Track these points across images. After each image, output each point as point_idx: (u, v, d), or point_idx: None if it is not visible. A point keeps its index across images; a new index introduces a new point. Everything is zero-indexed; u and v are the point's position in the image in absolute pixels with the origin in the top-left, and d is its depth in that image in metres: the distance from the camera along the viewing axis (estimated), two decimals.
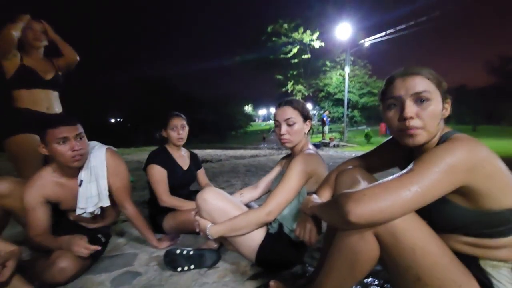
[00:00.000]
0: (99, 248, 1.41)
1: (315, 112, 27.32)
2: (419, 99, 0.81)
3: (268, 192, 1.68)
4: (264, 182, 1.71)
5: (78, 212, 1.52)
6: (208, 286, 1.30)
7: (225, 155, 10.41)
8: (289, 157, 1.59)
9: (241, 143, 25.06)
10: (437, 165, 0.71)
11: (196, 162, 2.26)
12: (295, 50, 23.11)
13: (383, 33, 15.16)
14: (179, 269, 1.43)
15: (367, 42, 16.86)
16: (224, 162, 7.66)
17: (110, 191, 1.62)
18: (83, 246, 1.32)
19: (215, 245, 1.61)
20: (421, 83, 0.82)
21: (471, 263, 0.79)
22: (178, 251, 1.44)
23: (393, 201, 0.71)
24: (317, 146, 12.09)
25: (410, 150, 0.96)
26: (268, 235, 1.35)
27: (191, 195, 2.10)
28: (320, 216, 0.99)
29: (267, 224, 1.38)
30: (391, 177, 0.75)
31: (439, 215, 0.81)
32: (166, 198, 1.90)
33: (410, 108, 0.81)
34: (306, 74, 26.20)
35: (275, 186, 1.35)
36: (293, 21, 22.85)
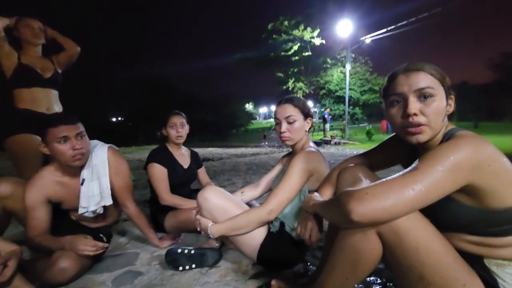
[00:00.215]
0: (106, 245, 1.41)
1: (316, 109, 27.28)
2: (423, 95, 0.80)
3: (269, 190, 1.67)
4: (265, 180, 1.70)
5: (81, 211, 1.52)
6: (209, 285, 1.30)
7: (226, 154, 10.41)
8: (290, 155, 1.58)
9: (242, 141, 25.09)
10: (442, 164, 0.70)
11: (197, 161, 2.25)
12: (295, 47, 23.05)
13: (384, 30, 15.07)
14: (181, 268, 1.42)
15: (368, 39, 16.76)
16: (225, 160, 7.66)
17: (112, 190, 1.62)
18: (89, 244, 1.31)
19: (217, 244, 1.60)
20: (424, 79, 0.80)
21: (476, 262, 0.78)
22: (179, 251, 1.44)
23: (397, 200, 0.69)
24: (318, 143, 12.08)
25: (413, 147, 0.94)
26: (269, 234, 1.34)
27: (192, 194, 2.10)
28: (322, 215, 0.98)
29: (269, 223, 1.37)
30: (394, 176, 0.74)
31: (444, 213, 0.80)
32: (167, 196, 1.90)
33: (414, 104, 0.80)
34: (306, 72, 26.15)
35: (276, 185, 1.34)
36: (293, 18, 22.78)
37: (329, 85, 26.85)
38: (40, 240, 1.40)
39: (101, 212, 1.59)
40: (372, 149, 1.17)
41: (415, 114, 0.80)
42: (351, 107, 25.30)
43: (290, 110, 1.38)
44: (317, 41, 22.01)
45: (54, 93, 2.16)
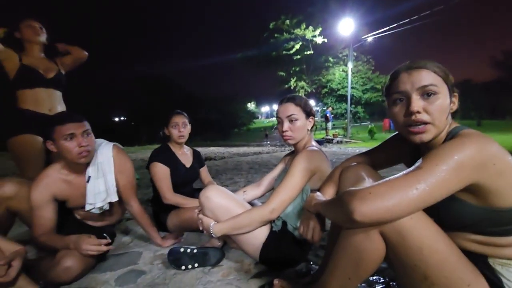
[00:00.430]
0: (110, 241, 1.42)
1: (318, 108, 27.24)
2: (426, 93, 0.79)
3: (272, 189, 1.67)
4: (267, 179, 1.70)
5: (88, 208, 1.53)
6: (212, 284, 1.30)
7: (228, 153, 10.42)
8: (293, 154, 1.58)
9: (244, 141, 25.09)
10: (446, 163, 0.69)
11: (199, 160, 2.26)
12: (297, 46, 23.00)
13: (386, 28, 14.98)
14: (183, 267, 1.42)
15: (370, 37, 16.68)
16: (228, 159, 7.66)
17: (116, 188, 1.63)
18: (92, 243, 1.32)
19: (219, 243, 1.61)
20: (427, 77, 0.79)
21: (480, 261, 0.77)
22: (182, 250, 1.44)
23: (400, 199, 0.69)
24: (320, 142, 12.05)
25: (416, 146, 0.93)
26: (271, 233, 1.34)
27: (194, 193, 2.10)
28: (324, 214, 0.97)
29: (271, 222, 1.37)
30: (397, 175, 0.73)
31: (448, 212, 0.79)
32: (169, 195, 1.90)
33: (417, 102, 0.79)
34: (308, 71, 26.10)
35: (278, 184, 1.33)
36: (295, 17, 22.72)
37: (331, 84, 26.82)
38: (45, 239, 1.41)
39: (107, 208, 1.61)
40: (375, 148, 1.17)
41: (418, 112, 0.79)
42: (353, 105, 25.25)
43: (292, 109, 1.37)
44: (319, 40, 21.94)
45: (58, 94, 2.18)
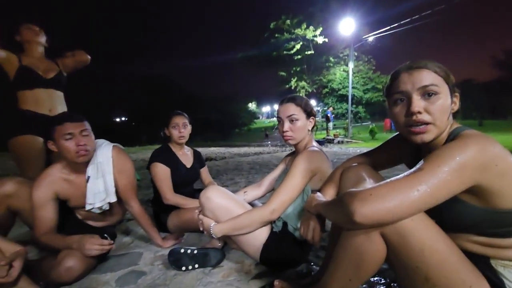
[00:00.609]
0: (112, 242, 1.43)
1: (319, 108, 27.22)
2: (427, 93, 0.79)
3: (272, 190, 1.66)
4: (268, 180, 1.70)
5: (87, 207, 1.54)
6: (212, 285, 1.30)
7: (229, 153, 10.43)
8: (293, 155, 1.58)
9: (245, 141, 25.09)
10: (448, 164, 0.68)
11: (199, 160, 2.25)
12: (298, 46, 23.00)
13: (387, 28, 14.96)
14: (184, 268, 1.42)
15: (371, 37, 16.66)
16: (228, 160, 7.66)
17: (116, 188, 1.64)
18: (96, 243, 1.32)
19: (219, 244, 1.60)
20: (428, 77, 0.79)
21: (482, 262, 0.77)
22: (182, 250, 1.44)
23: (401, 201, 0.68)
24: (321, 142, 12.04)
25: (417, 146, 0.93)
26: (272, 234, 1.34)
27: (195, 194, 2.10)
28: (325, 215, 0.97)
29: (271, 223, 1.37)
30: (398, 176, 0.72)
31: (450, 214, 0.78)
32: (170, 196, 1.90)
33: (417, 102, 0.79)
34: (309, 70, 26.10)
35: (279, 184, 1.33)
36: (296, 17, 22.73)
37: (332, 84, 26.80)
38: (47, 238, 1.41)
39: (107, 208, 1.61)
40: (376, 148, 1.16)
41: (419, 112, 0.78)
42: (354, 105, 25.23)
43: (292, 109, 1.37)
44: (320, 40, 21.94)
45: (58, 94, 2.18)
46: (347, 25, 16.51)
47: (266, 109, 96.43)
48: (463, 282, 0.70)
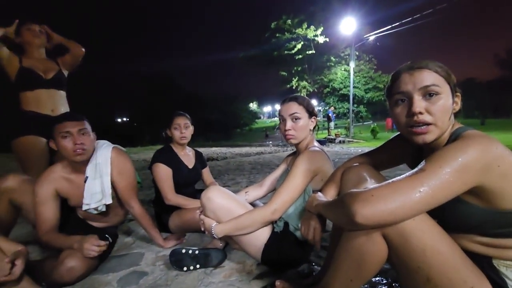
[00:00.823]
0: (109, 241, 1.43)
1: (320, 108, 27.17)
2: (428, 93, 0.78)
3: (274, 190, 1.67)
4: (270, 180, 1.70)
5: (84, 207, 1.55)
6: (214, 285, 1.30)
7: (231, 153, 10.44)
8: (295, 155, 1.58)
9: (247, 140, 25.11)
10: (450, 165, 0.68)
11: (201, 161, 2.26)
12: (299, 46, 22.95)
13: (389, 27, 14.92)
14: (185, 268, 1.42)
15: (372, 36, 16.62)
16: (230, 160, 7.67)
17: (115, 189, 1.64)
18: (92, 244, 1.32)
19: (221, 244, 1.61)
20: (429, 77, 0.79)
21: (484, 262, 0.76)
22: (183, 251, 1.44)
23: (403, 202, 0.68)
24: (322, 142, 12.03)
25: (419, 146, 0.93)
26: (273, 234, 1.34)
27: (196, 194, 2.10)
28: (326, 215, 0.96)
29: (273, 223, 1.37)
30: (400, 177, 0.72)
31: (453, 214, 0.78)
32: (171, 196, 1.91)
33: (419, 102, 0.79)
34: (310, 70, 26.04)
35: (280, 184, 1.33)
36: (296, 17, 22.68)
37: (333, 83, 26.72)
38: (49, 237, 1.43)
39: (103, 209, 1.61)
40: (377, 148, 1.16)
41: (420, 113, 0.78)
42: (355, 105, 25.15)
43: (295, 108, 1.37)
44: (321, 39, 21.88)
45: (60, 94, 2.18)
46: (348, 25, 16.48)
47: (267, 109, 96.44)
48: (465, 282, 0.70)
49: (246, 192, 1.67)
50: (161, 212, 2.00)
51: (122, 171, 1.65)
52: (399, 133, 1.02)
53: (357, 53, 23.34)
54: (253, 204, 1.62)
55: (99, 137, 1.65)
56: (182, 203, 1.90)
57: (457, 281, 0.70)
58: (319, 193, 1.09)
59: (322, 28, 21.62)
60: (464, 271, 0.71)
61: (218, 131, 32.49)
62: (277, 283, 1.15)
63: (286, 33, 23.10)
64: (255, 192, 1.68)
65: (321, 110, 25.69)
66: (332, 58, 26.05)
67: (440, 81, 0.79)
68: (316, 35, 21.88)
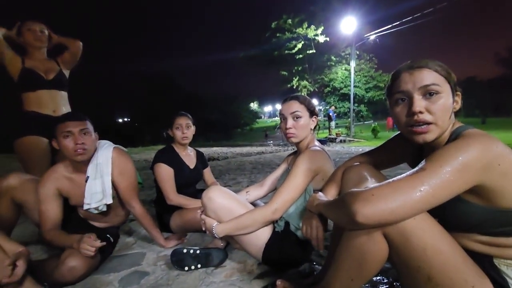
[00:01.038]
0: (110, 241, 1.43)
1: (321, 107, 27.14)
2: (428, 92, 0.78)
3: (274, 190, 1.67)
4: (270, 179, 1.70)
5: (85, 207, 1.56)
6: (215, 285, 1.30)
7: (232, 153, 10.44)
8: (296, 154, 1.58)
9: (248, 140, 25.12)
10: (450, 164, 0.68)
11: (202, 161, 2.26)
12: (299, 45, 22.94)
13: (389, 26, 14.91)
14: (186, 268, 1.43)
15: (372, 35, 16.59)
16: (231, 159, 7.68)
17: (116, 190, 1.65)
18: (88, 243, 1.32)
19: (222, 244, 1.61)
20: (429, 76, 0.79)
21: (485, 262, 0.76)
22: (185, 251, 1.45)
23: (404, 202, 0.68)
24: (323, 142, 12.03)
25: (420, 145, 0.92)
26: (274, 234, 1.34)
27: (197, 194, 2.11)
28: (326, 215, 0.96)
29: (274, 223, 1.37)
30: (400, 176, 0.72)
31: (453, 213, 0.78)
32: (173, 196, 1.91)
33: (419, 102, 0.78)
34: (311, 70, 26.02)
35: (281, 184, 1.33)
36: (297, 16, 22.67)
37: (334, 83, 26.70)
38: (52, 235, 1.44)
39: (104, 209, 1.62)
40: (377, 148, 1.16)
41: (420, 112, 0.78)
42: (356, 104, 25.09)
43: (296, 106, 1.37)
44: (321, 39, 21.87)
45: (61, 95, 2.19)
46: (348, 24, 16.47)
47: (268, 108, 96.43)
48: (466, 281, 0.70)
49: (247, 192, 1.68)
50: (162, 212, 2.00)
51: (123, 171, 1.65)
52: (399, 132, 1.02)
53: (357, 52, 23.32)
54: (254, 203, 1.62)
55: (99, 137, 1.65)
56: (183, 203, 1.91)
57: (458, 280, 0.70)
58: (320, 193, 1.09)
59: (322, 27, 21.61)
60: (465, 270, 0.71)
61: (218, 131, 32.52)
62: (278, 282, 1.15)
63: (286, 32, 23.09)
64: (256, 191, 1.68)
65: (322, 110, 25.65)
66: (332, 57, 26.02)
67: (440, 80, 0.79)
68: (316, 35, 21.87)
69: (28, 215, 1.61)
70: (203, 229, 1.39)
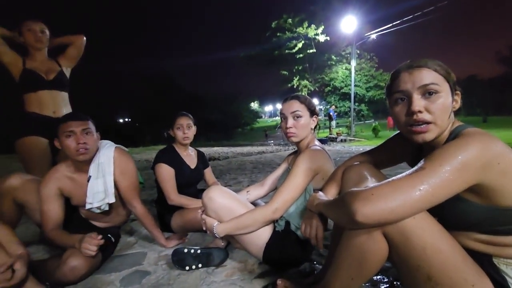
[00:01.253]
0: (111, 241, 1.43)
1: (321, 107, 27.13)
2: (427, 92, 0.78)
3: (275, 189, 1.67)
4: (271, 179, 1.70)
5: (87, 206, 1.56)
6: (216, 284, 1.30)
7: (232, 153, 10.45)
8: (296, 154, 1.58)
9: (248, 140, 25.12)
10: (449, 163, 0.68)
11: (203, 161, 2.26)
12: (300, 45, 22.95)
13: (390, 25, 14.89)
14: (187, 268, 1.43)
15: (373, 34, 16.57)
16: (231, 159, 7.68)
17: (118, 189, 1.65)
18: (89, 243, 1.32)
19: (223, 244, 1.61)
20: (428, 75, 0.79)
21: (485, 260, 0.76)
22: (185, 250, 1.45)
23: (403, 201, 0.68)
24: (323, 141, 12.03)
25: (419, 145, 0.93)
26: (275, 233, 1.34)
27: (198, 194, 2.11)
28: (326, 214, 0.97)
29: (274, 222, 1.38)
30: (400, 175, 0.72)
31: (452, 212, 0.78)
32: (174, 196, 1.92)
33: (418, 101, 0.79)
34: (311, 69, 26.02)
35: (281, 184, 1.33)
36: (297, 16, 22.68)
37: (334, 82, 26.71)
38: (54, 234, 1.45)
39: (106, 208, 1.63)
40: (377, 147, 1.16)
41: (419, 112, 0.78)
42: (356, 103, 25.10)
43: (296, 106, 1.38)
44: (322, 38, 21.88)
45: (62, 95, 2.19)
46: (349, 23, 16.44)
47: (268, 108, 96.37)
48: (466, 280, 0.70)
49: (247, 192, 1.68)
50: (163, 212, 2.01)
51: (125, 171, 1.66)
52: (399, 131, 1.02)
53: (358, 52, 23.32)
54: (254, 203, 1.62)
55: (100, 137, 1.66)
56: (184, 203, 1.91)
57: (457, 279, 0.70)
58: (320, 192, 1.09)
59: (323, 26, 21.63)
60: (465, 270, 0.71)
61: (219, 131, 32.54)
62: (279, 282, 1.15)
63: (286, 32, 23.11)
64: (257, 191, 1.68)
65: (323, 109, 25.65)
66: (333, 56, 26.03)
67: (440, 80, 0.79)
68: (317, 34, 21.88)
69: (29, 215, 1.62)
70: (204, 228, 1.40)
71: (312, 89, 26.00)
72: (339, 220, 0.90)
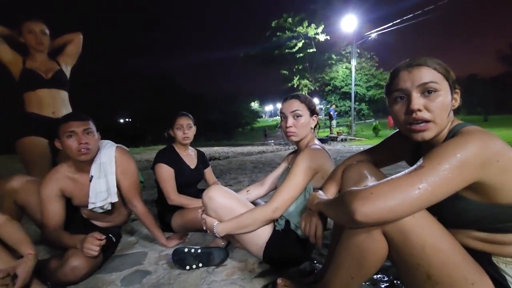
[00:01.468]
0: (112, 240, 1.43)
1: (321, 106, 27.09)
2: (426, 90, 0.78)
3: (275, 189, 1.67)
4: (271, 178, 1.70)
5: (90, 206, 1.57)
6: (216, 284, 1.31)
7: (233, 152, 10.45)
8: (296, 153, 1.58)
9: (248, 140, 25.12)
10: (448, 161, 0.68)
11: (203, 161, 2.26)
12: (300, 44, 22.90)
13: (390, 24, 14.87)
14: (188, 267, 1.43)
15: (373, 33, 16.54)
16: (232, 159, 7.68)
17: (119, 189, 1.66)
18: (92, 243, 1.33)
19: (223, 243, 1.61)
20: (428, 74, 0.79)
21: (484, 259, 0.76)
22: (186, 250, 1.45)
23: (402, 199, 0.68)
24: (324, 140, 12.02)
25: (418, 143, 0.93)
26: (275, 232, 1.34)
27: (199, 194, 2.11)
28: (326, 214, 0.97)
29: (274, 221, 1.38)
30: (399, 174, 0.72)
31: (451, 210, 0.78)
32: (174, 196, 1.92)
33: (417, 100, 0.79)
34: (311, 68, 25.98)
35: (281, 183, 1.33)
36: (297, 15, 22.63)
37: (335, 82, 26.64)
38: (55, 235, 1.45)
39: (109, 208, 1.63)
40: (377, 146, 1.16)
41: (419, 110, 0.78)
42: (357, 103, 25.04)
43: (296, 105, 1.38)
44: (322, 37, 21.83)
45: (62, 95, 2.19)
46: (349, 22, 16.42)
47: (268, 108, 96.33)
48: (465, 279, 0.70)
49: (247, 191, 1.68)
50: (163, 211, 2.01)
51: (126, 170, 1.66)
52: (398, 130, 1.02)
53: (358, 51, 23.25)
54: (254, 203, 1.63)
55: (101, 137, 1.66)
56: (184, 203, 1.91)
57: (457, 278, 0.70)
58: (320, 191, 1.09)
59: (323, 26, 21.58)
60: (465, 268, 0.71)
61: (219, 131, 32.54)
62: (279, 281, 1.15)
63: (286, 31, 23.06)
64: (257, 191, 1.69)
65: (323, 109, 25.62)
66: (333, 56, 25.97)
67: (439, 78, 0.79)
68: (317, 33, 21.83)
69: (30, 216, 1.63)
70: (204, 228, 1.40)
71: (313, 88, 25.95)
72: (338, 219, 0.90)
